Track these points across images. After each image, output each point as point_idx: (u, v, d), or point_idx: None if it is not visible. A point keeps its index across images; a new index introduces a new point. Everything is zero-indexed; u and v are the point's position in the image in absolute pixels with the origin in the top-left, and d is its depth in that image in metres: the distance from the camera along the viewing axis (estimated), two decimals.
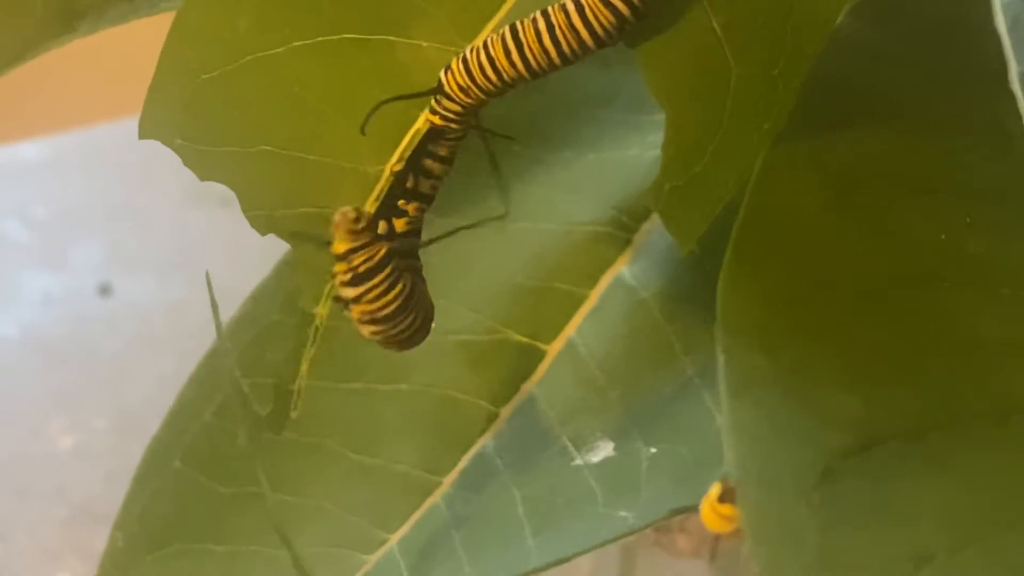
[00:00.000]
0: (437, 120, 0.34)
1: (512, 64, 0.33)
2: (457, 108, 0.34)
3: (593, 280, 0.49)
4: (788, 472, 0.26)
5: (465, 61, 0.33)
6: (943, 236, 0.32)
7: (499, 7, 0.34)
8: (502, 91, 0.33)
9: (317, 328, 0.37)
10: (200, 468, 0.50)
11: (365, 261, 0.34)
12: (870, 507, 0.25)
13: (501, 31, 0.33)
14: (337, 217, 0.33)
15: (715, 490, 0.38)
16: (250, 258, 0.51)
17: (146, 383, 0.55)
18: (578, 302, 0.49)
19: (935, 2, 0.42)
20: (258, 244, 0.39)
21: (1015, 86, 0.38)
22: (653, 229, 0.49)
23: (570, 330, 0.49)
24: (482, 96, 0.33)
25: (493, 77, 0.33)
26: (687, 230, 0.33)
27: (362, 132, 0.35)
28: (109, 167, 1.10)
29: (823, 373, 0.28)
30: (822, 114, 0.35)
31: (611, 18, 0.32)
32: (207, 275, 0.39)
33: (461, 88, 0.33)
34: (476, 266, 0.51)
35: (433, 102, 0.34)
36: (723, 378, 0.27)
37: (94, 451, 0.87)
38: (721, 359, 0.28)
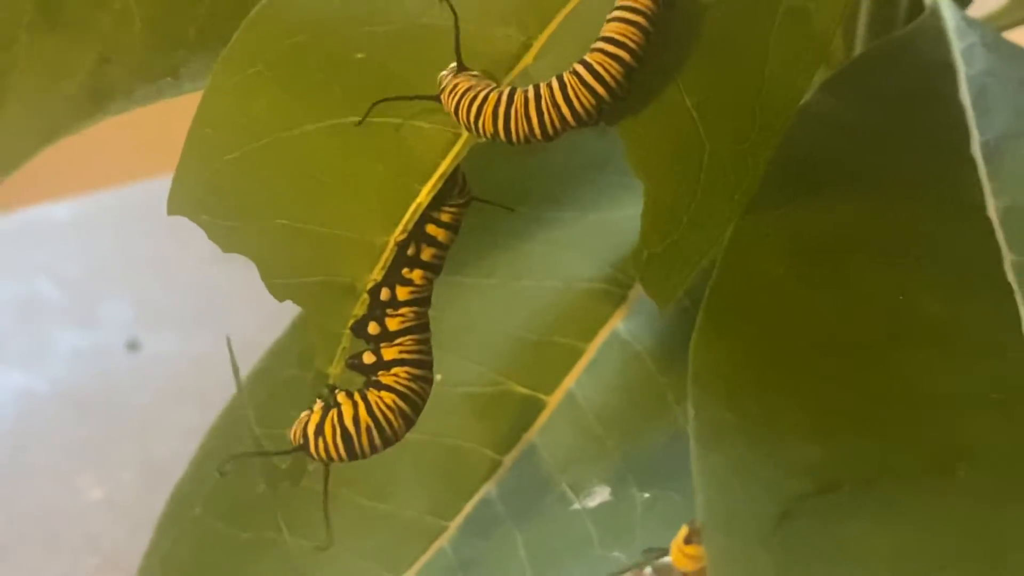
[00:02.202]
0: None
1: (498, 132, 0.34)
2: None
3: (591, 334, 0.50)
4: (749, 516, 0.27)
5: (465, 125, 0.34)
6: (902, 299, 0.34)
7: None
8: None
9: (332, 387, 0.37)
10: (220, 516, 0.51)
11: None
12: (824, 549, 0.27)
13: (495, 99, 0.34)
14: None
15: (683, 532, 0.40)
16: (270, 314, 0.52)
17: (172, 435, 0.56)
18: (577, 355, 0.50)
19: (902, 77, 0.44)
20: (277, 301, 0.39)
21: (976, 154, 0.40)
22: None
23: (569, 382, 0.50)
24: None
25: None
26: (665, 292, 0.35)
27: (359, 124, 0.35)
28: (136, 226, 1.11)
29: (785, 425, 0.30)
30: (790, 184, 0.36)
31: (591, 99, 0.33)
32: (227, 338, 0.41)
33: None
34: (480, 321, 0.52)
35: None
36: (692, 430, 0.29)
37: (122, 502, 0.88)
38: (691, 412, 0.30)
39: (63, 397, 1.04)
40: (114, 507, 0.93)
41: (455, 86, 0.34)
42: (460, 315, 0.52)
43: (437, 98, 0.35)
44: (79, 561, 0.90)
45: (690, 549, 0.40)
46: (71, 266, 1.15)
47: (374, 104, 0.35)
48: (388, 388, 0.36)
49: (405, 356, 0.36)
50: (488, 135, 0.34)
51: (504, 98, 0.34)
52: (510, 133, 0.34)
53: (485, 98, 0.34)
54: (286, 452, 0.38)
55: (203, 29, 0.46)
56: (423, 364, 0.37)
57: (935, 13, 0.45)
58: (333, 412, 0.36)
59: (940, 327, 0.34)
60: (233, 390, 0.53)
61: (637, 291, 0.50)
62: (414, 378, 0.37)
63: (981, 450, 0.30)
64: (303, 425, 0.37)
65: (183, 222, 0.37)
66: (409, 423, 0.37)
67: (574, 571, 0.46)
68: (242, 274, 0.38)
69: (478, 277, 0.53)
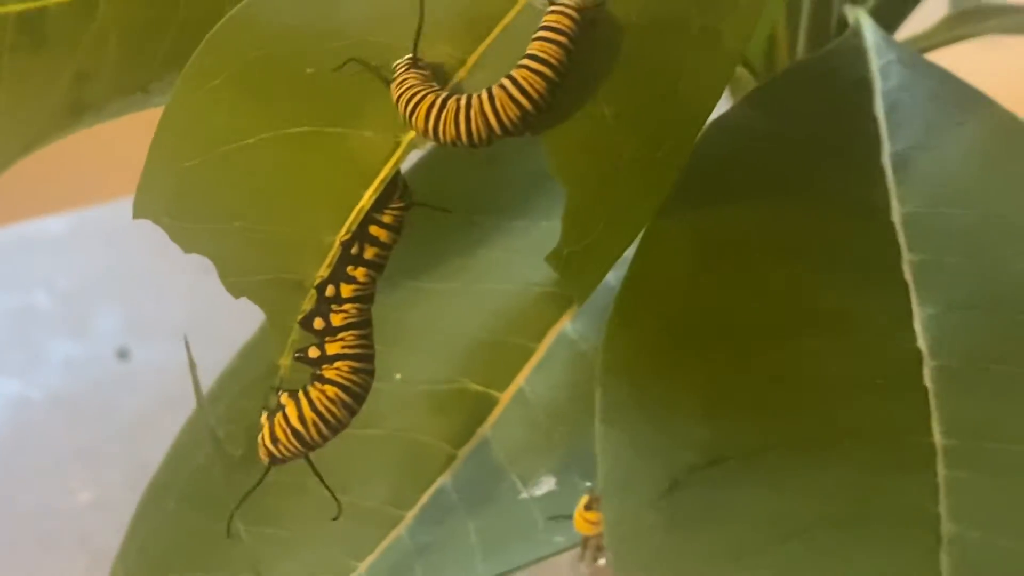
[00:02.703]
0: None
1: (428, 132, 0.36)
2: None
3: (541, 335, 0.52)
4: (643, 484, 0.30)
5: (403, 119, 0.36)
6: (801, 293, 0.36)
7: None
8: None
9: (281, 378, 0.39)
10: (193, 506, 0.53)
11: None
12: (708, 511, 0.29)
13: (430, 102, 0.35)
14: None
15: (584, 500, 0.43)
16: (255, 322, 0.55)
17: (160, 439, 0.57)
18: (528, 355, 0.52)
19: (822, 91, 0.46)
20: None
21: (886, 163, 0.42)
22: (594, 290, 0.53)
23: (520, 380, 0.52)
24: None
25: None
26: (582, 288, 0.37)
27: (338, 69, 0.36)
28: (127, 240, 1.09)
29: (680, 406, 0.32)
30: (702, 190, 0.38)
31: (515, 111, 0.35)
32: (185, 338, 0.42)
33: None
34: (439, 323, 0.54)
35: None
36: (598, 410, 0.32)
37: (112, 503, 0.88)
38: (598, 392, 0.32)
39: (56, 403, 1.04)
40: (105, 508, 0.94)
41: (403, 80, 0.36)
42: (421, 317, 0.54)
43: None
44: (72, 559, 0.92)
45: (590, 515, 0.43)
46: (64, 278, 1.16)
47: (341, 65, 0.37)
48: (330, 382, 0.38)
49: (347, 351, 0.38)
50: (420, 133, 0.36)
51: (438, 102, 0.36)
52: (438, 135, 0.36)
53: (422, 99, 0.36)
54: (265, 473, 0.41)
55: (173, 48, 0.48)
56: (364, 358, 0.38)
57: (856, 32, 0.47)
58: (279, 416, 0.39)
59: (836, 319, 0.36)
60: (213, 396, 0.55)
61: None
62: (355, 371, 0.38)
63: (864, 428, 0.32)
64: (261, 441, 0.39)
65: None
66: (352, 412, 0.39)
67: (519, 554, 0.48)
68: None
69: (438, 282, 0.55)
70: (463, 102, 0.36)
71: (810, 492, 0.31)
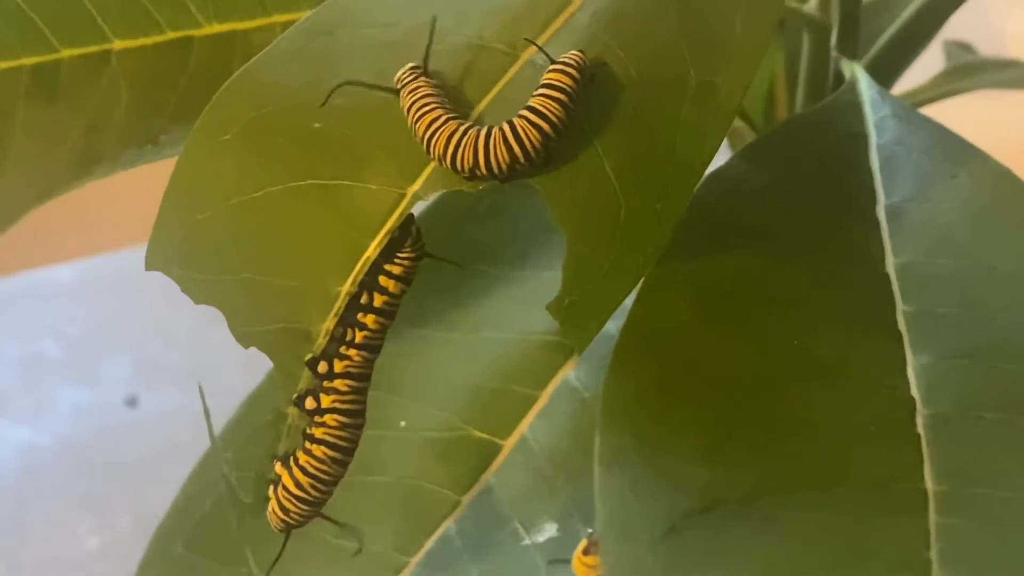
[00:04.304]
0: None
1: (445, 159, 0.36)
2: None
3: (543, 383, 0.53)
4: (641, 527, 0.30)
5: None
6: (796, 342, 0.37)
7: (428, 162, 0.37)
8: None
9: (289, 426, 0.40)
10: (200, 551, 0.53)
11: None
12: (705, 555, 0.30)
13: (455, 129, 0.36)
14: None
15: (582, 544, 0.43)
16: (261, 371, 0.55)
17: (166, 487, 0.58)
18: (530, 402, 0.52)
19: (818, 143, 0.46)
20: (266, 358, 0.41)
21: (881, 215, 0.42)
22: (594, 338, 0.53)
23: (523, 427, 0.52)
24: None
25: None
26: (582, 336, 0.37)
27: (322, 104, 0.37)
28: (135, 288, 1.11)
29: (678, 450, 0.33)
30: (699, 240, 0.39)
31: (506, 157, 0.36)
32: (199, 387, 0.43)
33: None
34: (443, 371, 0.54)
35: None
36: (597, 454, 0.32)
37: (118, 550, 0.90)
38: (597, 437, 0.33)
39: (64, 450, 1.05)
40: (111, 555, 0.95)
41: (415, 89, 0.37)
42: (425, 365, 0.55)
43: (396, 92, 0.37)
44: None
45: (588, 559, 0.43)
46: (73, 325, 1.17)
47: (336, 87, 0.38)
48: (318, 441, 0.39)
49: (337, 404, 0.38)
50: (437, 160, 0.37)
51: (460, 130, 0.36)
52: (429, 150, 0.37)
53: (443, 124, 0.36)
54: (285, 541, 0.42)
55: (182, 101, 0.49)
56: (353, 413, 0.39)
57: (852, 87, 0.48)
58: (280, 488, 0.39)
59: (831, 367, 0.36)
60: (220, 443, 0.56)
61: None
62: (343, 426, 0.39)
63: (855, 474, 0.33)
64: (273, 513, 0.40)
65: None
66: (344, 464, 0.39)
67: None
68: None
69: (442, 331, 0.55)
70: (456, 138, 0.36)
71: (804, 537, 0.31)
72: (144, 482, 0.98)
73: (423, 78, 0.38)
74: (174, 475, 0.58)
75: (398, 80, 0.38)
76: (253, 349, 0.39)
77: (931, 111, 0.53)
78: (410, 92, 0.37)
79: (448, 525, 0.51)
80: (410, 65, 0.38)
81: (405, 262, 0.38)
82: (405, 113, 0.37)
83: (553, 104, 0.36)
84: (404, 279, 0.39)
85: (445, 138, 0.36)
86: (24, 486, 1.03)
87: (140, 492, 0.96)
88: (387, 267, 0.38)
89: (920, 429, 0.34)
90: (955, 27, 0.70)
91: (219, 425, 0.56)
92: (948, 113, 0.54)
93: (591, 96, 0.37)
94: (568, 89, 0.36)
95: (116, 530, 0.98)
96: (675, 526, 0.30)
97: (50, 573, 0.96)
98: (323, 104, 0.38)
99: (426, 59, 0.38)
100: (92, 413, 1.09)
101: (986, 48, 0.78)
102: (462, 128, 0.37)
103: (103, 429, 1.08)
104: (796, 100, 0.58)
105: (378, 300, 0.38)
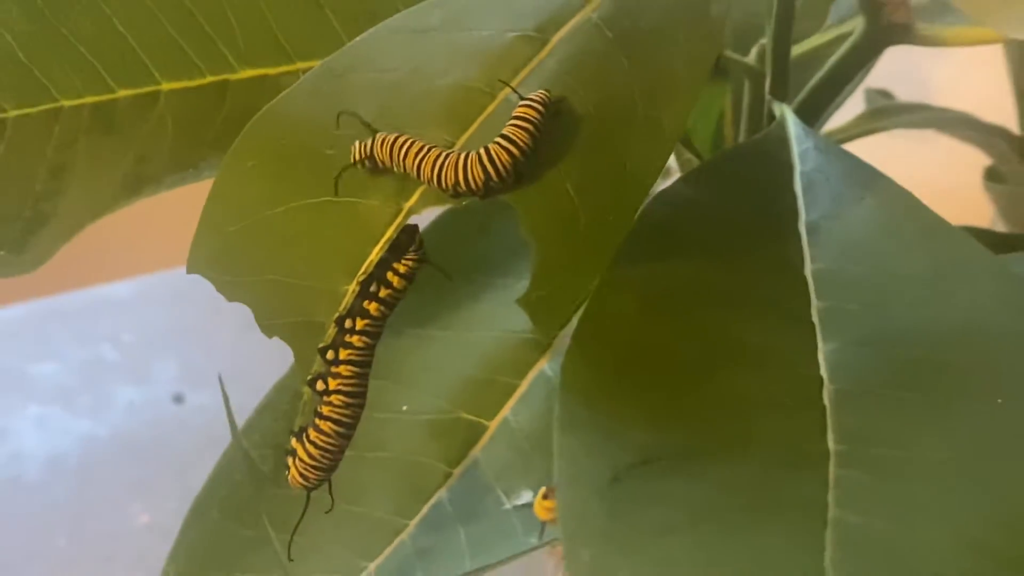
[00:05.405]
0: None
1: (431, 179, 0.37)
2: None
3: (523, 373, 0.54)
4: (590, 478, 0.31)
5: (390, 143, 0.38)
6: (726, 333, 0.38)
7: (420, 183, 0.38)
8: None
9: (304, 403, 0.40)
10: (231, 517, 0.54)
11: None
12: (643, 499, 0.31)
13: (437, 155, 0.37)
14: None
15: (542, 491, 0.45)
16: (286, 369, 0.55)
17: (208, 471, 0.59)
18: (512, 390, 0.54)
19: (751, 170, 0.47)
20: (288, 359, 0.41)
21: (802, 229, 0.43)
22: (567, 336, 0.54)
23: (506, 411, 0.53)
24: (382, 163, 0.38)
25: (385, 158, 0.38)
26: (549, 326, 0.39)
27: (336, 193, 0.38)
28: (183, 301, 1.14)
29: (623, 418, 0.33)
30: (646, 248, 0.40)
31: (480, 176, 0.37)
32: (219, 376, 0.44)
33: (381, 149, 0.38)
34: (439, 364, 0.56)
35: None
36: (557, 418, 0.33)
37: (166, 526, 0.89)
38: (557, 406, 0.34)
39: (119, 441, 1.06)
40: (160, 530, 0.95)
41: (406, 140, 0.38)
42: (423, 360, 0.56)
43: (370, 156, 0.38)
44: (130, 574, 0.93)
45: (547, 503, 0.45)
46: (128, 333, 1.18)
47: (340, 172, 0.38)
48: (325, 418, 0.40)
49: (342, 386, 0.39)
50: (425, 180, 0.38)
51: (442, 155, 0.37)
52: (418, 174, 0.38)
53: (427, 151, 0.38)
54: (307, 500, 0.43)
55: (218, 133, 0.50)
56: (356, 394, 0.40)
57: (781, 125, 0.49)
58: (296, 459, 0.41)
59: (755, 353, 0.37)
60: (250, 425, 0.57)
61: (559, 340, 0.54)
62: (346, 404, 0.40)
63: (771, 437, 0.34)
64: (293, 479, 0.41)
65: (220, 298, 0.40)
66: (347, 437, 0.40)
67: (500, 554, 0.50)
68: (268, 340, 0.40)
69: (438, 330, 0.57)
70: (439, 161, 0.38)
71: (724, 485, 0.32)
72: (188, 468, 0.95)
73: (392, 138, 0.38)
74: (213, 461, 0.59)
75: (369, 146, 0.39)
76: (282, 353, 0.40)
77: (854, 147, 0.54)
78: (384, 142, 0.38)
79: (441, 493, 0.53)
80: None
81: (409, 263, 0.39)
82: (387, 157, 0.38)
83: (522, 132, 0.38)
84: (406, 277, 0.39)
85: (431, 161, 0.38)
86: (84, 471, 1.04)
87: (184, 477, 0.93)
88: (395, 264, 0.39)
89: (826, 401, 0.35)
90: (883, 78, 0.72)
91: (251, 413, 0.57)
92: (868, 149, 0.56)
93: (555, 127, 0.38)
94: (535, 120, 0.38)
95: (163, 509, 0.98)
96: (618, 476, 0.32)
97: (106, 545, 0.96)
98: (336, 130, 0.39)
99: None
100: (144, 409, 1.10)
101: (912, 96, 0.80)
102: (443, 153, 0.38)
103: (153, 423, 1.08)
104: (739, 136, 0.60)
105: (383, 292, 0.39)
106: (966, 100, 0.77)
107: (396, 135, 0.38)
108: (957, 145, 0.76)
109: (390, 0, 0.50)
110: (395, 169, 0.38)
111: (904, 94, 0.80)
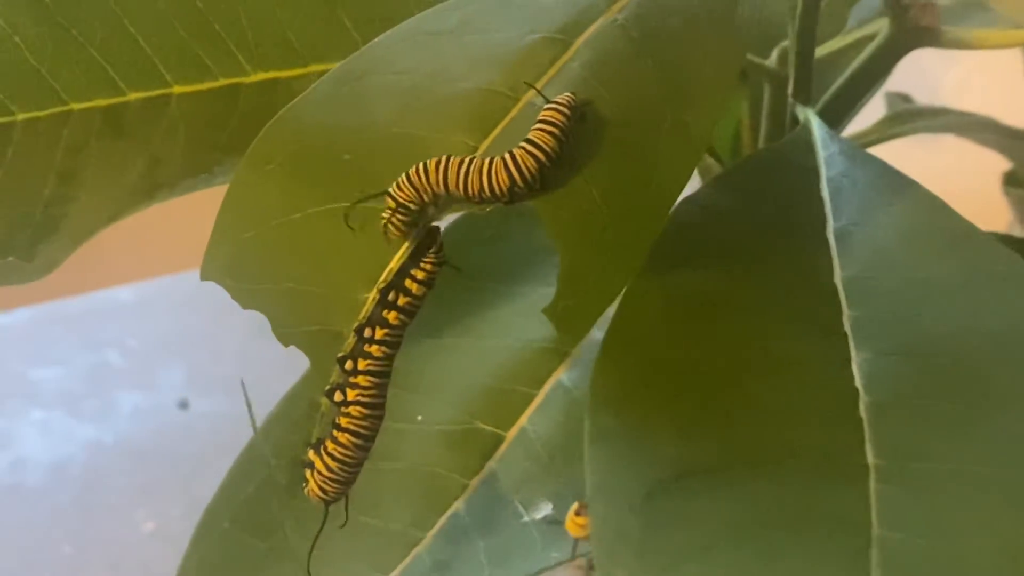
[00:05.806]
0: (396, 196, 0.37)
1: (456, 186, 0.36)
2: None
3: (540, 383, 0.53)
4: (623, 494, 0.31)
5: (407, 176, 0.37)
6: (756, 343, 0.37)
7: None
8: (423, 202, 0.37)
9: (322, 414, 0.40)
10: (244, 528, 0.54)
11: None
12: (677, 515, 0.30)
13: (461, 161, 0.36)
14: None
15: (574, 507, 0.44)
16: (295, 376, 0.55)
17: (214, 479, 0.58)
18: (529, 400, 0.53)
19: (777, 176, 0.46)
20: (303, 365, 0.41)
21: (830, 236, 0.43)
22: (584, 345, 0.52)
23: (523, 420, 0.53)
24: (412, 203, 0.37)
25: (411, 193, 0.37)
26: (574, 334, 0.38)
27: (348, 226, 0.37)
28: (188, 307, 1.14)
29: (655, 431, 0.33)
30: (673, 256, 0.39)
31: (506, 181, 0.36)
32: (241, 381, 0.43)
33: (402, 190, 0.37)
34: (455, 373, 0.55)
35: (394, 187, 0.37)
36: (587, 432, 0.33)
37: (171, 534, 0.89)
38: (587, 420, 0.33)
39: (124, 446, 1.05)
40: (165, 538, 0.95)
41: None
42: (439, 368, 0.55)
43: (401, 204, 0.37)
44: None
45: (579, 520, 0.44)
46: (134, 339, 1.17)
47: (352, 205, 0.38)
48: (344, 429, 0.39)
49: (360, 397, 0.39)
50: (452, 186, 0.37)
51: (466, 161, 0.37)
52: (467, 189, 0.37)
53: (450, 159, 0.37)
54: (325, 513, 0.42)
55: (232, 138, 0.49)
56: (374, 405, 0.39)
57: (806, 129, 0.49)
58: (315, 471, 0.40)
59: (785, 362, 0.37)
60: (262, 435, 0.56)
61: (577, 350, 0.53)
62: (365, 416, 0.39)
63: (807, 451, 0.33)
64: (311, 493, 0.40)
65: (226, 303, 0.39)
66: (366, 449, 0.40)
67: (521, 568, 0.49)
68: (275, 346, 0.39)
69: (454, 338, 0.56)
70: (465, 166, 0.37)
71: (762, 501, 0.32)
72: (193, 475, 0.98)
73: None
74: (220, 468, 0.58)
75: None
76: (289, 360, 0.40)
77: (875, 151, 0.54)
78: (400, 184, 0.37)
79: (458, 505, 0.52)
80: None
81: (428, 266, 0.39)
82: (411, 191, 0.37)
83: (548, 137, 0.37)
84: (426, 283, 0.39)
85: (456, 167, 0.37)
86: (90, 477, 1.03)
87: (190, 483, 0.96)
88: (413, 271, 0.38)
89: (862, 413, 0.35)
90: (898, 81, 0.71)
91: (260, 422, 0.56)
92: (890, 153, 0.55)
93: (581, 131, 0.38)
94: (561, 124, 0.37)
95: (169, 516, 0.97)
96: (651, 492, 0.31)
97: (111, 552, 0.96)
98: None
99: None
100: (149, 414, 1.09)
101: (924, 99, 0.79)
102: (467, 159, 0.37)
103: (158, 429, 1.08)
104: (758, 140, 0.59)
105: (402, 300, 0.38)
106: (976, 103, 0.76)
107: (405, 173, 0.37)
108: (972, 149, 0.76)
109: (404, 2, 0.49)
110: (424, 198, 0.37)
111: (917, 97, 0.80)
